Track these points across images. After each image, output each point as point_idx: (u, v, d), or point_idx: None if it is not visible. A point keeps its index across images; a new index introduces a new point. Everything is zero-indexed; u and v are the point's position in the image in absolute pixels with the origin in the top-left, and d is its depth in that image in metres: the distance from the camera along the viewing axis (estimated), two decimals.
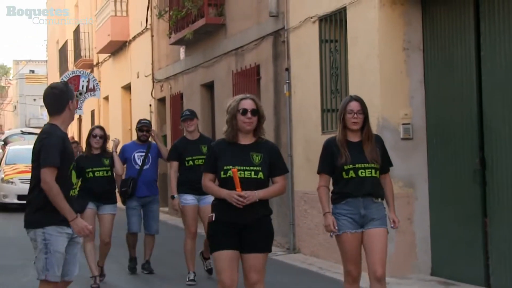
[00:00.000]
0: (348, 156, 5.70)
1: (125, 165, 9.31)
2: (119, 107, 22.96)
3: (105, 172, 8.69)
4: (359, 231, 5.72)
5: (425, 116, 8.79)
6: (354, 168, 5.70)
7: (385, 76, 8.72)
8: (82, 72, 17.46)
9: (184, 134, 9.13)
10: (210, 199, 6.54)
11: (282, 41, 11.38)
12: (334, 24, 9.92)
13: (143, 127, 9.55)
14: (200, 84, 15.51)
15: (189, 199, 8.52)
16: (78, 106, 16.33)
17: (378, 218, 5.74)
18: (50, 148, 5.39)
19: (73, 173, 5.60)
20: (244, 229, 5.24)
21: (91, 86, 16.71)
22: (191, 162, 8.56)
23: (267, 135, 12.57)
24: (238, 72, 13.20)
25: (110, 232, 8.73)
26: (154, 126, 19.10)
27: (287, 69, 11.17)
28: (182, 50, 16.49)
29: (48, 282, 5.41)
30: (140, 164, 9.31)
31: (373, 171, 5.74)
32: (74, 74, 16.87)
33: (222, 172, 5.26)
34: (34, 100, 61.54)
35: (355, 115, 5.79)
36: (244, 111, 5.30)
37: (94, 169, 8.64)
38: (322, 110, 10.09)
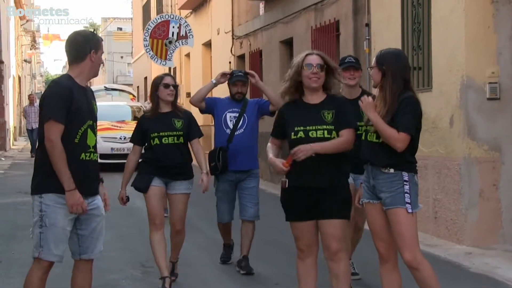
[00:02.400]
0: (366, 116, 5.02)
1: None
2: (200, 64, 22.79)
3: (176, 138, 6.47)
4: (375, 202, 4.97)
5: None
6: (366, 130, 5.01)
7: (471, 32, 8.11)
8: (172, 16, 14.54)
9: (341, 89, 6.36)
10: None
11: None
12: None
13: (238, 82, 7.25)
14: (279, 40, 15.13)
15: None
16: (168, 57, 13.93)
17: (388, 194, 4.85)
18: (52, 99, 4.63)
19: (90, 133, 4.74)
20: (320, 194, 4.91)
21: (182, 33, 13.94)
22: None
23: None
24: (317, 28, 12.77)
25: (183, 216, 6.61)
26: None
27: (367, 25, 10.69)
28: (261, 5, 16.12)
29: (41, 260, 4.67)
30: (231, 127, 7.20)
31: (374, 135, 4.93)
32: (162, 19, 14.15)
33: (292, 134, 4.97)
34: (121, 57, 62.56)
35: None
36: (309, 66, 4.97)
37: (162, 133, 6.46)
38: None
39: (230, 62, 18.83)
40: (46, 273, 4.75)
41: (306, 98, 5.05)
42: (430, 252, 7.57)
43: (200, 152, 6.62)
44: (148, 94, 6.70)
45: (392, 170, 4.84)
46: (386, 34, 10.00)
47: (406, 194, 4.83)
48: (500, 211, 8.22)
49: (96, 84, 57.09)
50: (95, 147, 4.84)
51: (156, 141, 6.46)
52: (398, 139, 4.78)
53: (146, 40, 13.89)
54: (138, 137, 6.62)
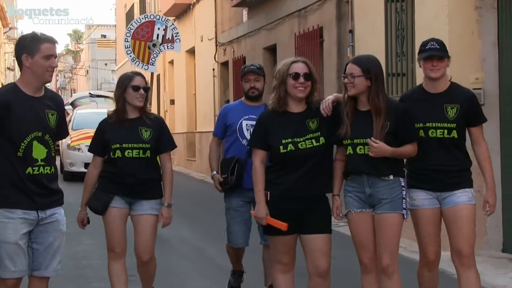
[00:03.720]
0: (349, 129, 4.82)
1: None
2: (184, 71, 22.75)
3: (142, 151, 5.34)
4: (367, 211, 4.87)
5: (498, 81, 8.14)
6: (352, 143, 4.83)
7: (455, 38, 8.10)
8: (158, 17, 13.01)
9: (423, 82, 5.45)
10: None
11: (346, 1, 10.88)
12: None
13: (249, 74, 6.03)
14: (262, 47, 15.11)
15: None
16: (151, 61, 12.74)
17: (388, 200, 4.78)
18: None
19: (37, 145, 4.36)
20: (308, 205, 4.80)
21: (168, 36, 12.69)
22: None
23: None
24: (300, 35, 12.75)
25: (151, 244, 5.49)
26: (217, 91, 18.77)
27: (351, 31, 10.68)
28: (245, 12, 16.11)
29: (3, 279, 4.38)
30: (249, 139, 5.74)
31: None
32: (147, 19, 12.69)
33: (281, 147, 4.78)
34: (106, 64, 62.37)
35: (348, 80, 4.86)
36: (296, 76, 4.80)
37: (125, 145, 5.34)
38: (387, 74, 9.52)
39: (213, 69, 18.80)
40: None
41: (290, 107, 4.87)
42: (414, 258, 7.44)
43: (167, 172, 5.51)
44: (114, 94, 5.56)
45: (391, 177, 4.82)
46: (370, 40, 10.00)
47: (403, 200, 4.83)
48: (484, 218, 8.17)
49: (81, 91, 56.88)
50: (47, 159, 4.44)
51: (118, 153, 5.34)
52: (415, 150, 4.89)
53: (127, 41, 12.65)
54: (98, 146, 5.51)
